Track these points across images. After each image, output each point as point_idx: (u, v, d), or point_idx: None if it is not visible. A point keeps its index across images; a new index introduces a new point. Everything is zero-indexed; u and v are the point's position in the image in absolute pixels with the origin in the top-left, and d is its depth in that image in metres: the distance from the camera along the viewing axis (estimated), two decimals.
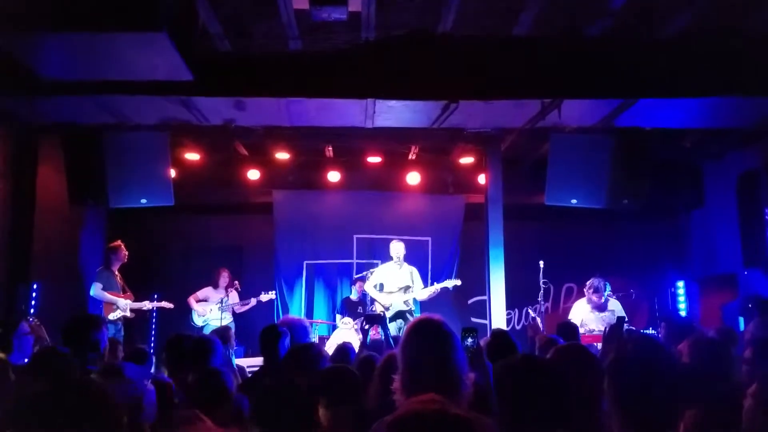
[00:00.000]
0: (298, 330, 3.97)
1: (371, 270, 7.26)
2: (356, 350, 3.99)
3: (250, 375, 4.23)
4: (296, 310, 8.09)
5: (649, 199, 6.11)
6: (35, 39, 3.94)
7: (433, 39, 4.85)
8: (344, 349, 3.90)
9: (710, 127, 6.18)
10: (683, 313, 7.92)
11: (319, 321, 7.93)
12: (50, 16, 3.72)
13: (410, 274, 7.09)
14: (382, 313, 6.52)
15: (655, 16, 4.66)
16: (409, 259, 7.22)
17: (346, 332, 7.12)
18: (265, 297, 7.46)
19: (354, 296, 7.62)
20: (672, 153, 7.15)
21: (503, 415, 1.86)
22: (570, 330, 4.62)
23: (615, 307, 6.15)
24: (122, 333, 6.38)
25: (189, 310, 7.39)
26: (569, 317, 6.14)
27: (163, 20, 3.73)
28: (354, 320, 7.02)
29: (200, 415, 2.34)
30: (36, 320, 5.49)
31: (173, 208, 6.44)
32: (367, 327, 4.33)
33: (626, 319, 5.94)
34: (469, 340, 2.58)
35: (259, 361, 4.45)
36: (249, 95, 5.15)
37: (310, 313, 8.23)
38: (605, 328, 5.22)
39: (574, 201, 6.13)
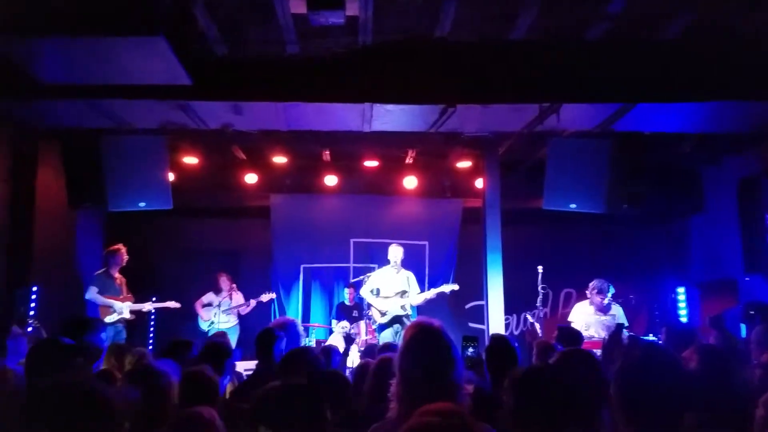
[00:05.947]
0: (291, 330, 3.98)
1: (368, 274, 7.25)
2: (341, 352, 3.98)
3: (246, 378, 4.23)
4: (293, 314, 8.08)
5: (648, 204, 6.10)
6: (34, 43, 3.95)
7: (431, 43, 4.85)
8: (328, 350, 3.90)
9: (709, 132, 6.16)
10: (684, 320, 7.87)
11: (316, 325, 7.92)
12: (49, 20, 3.74)
13: (407, 279, 7.06)
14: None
15: (654, 20, 4.65)
16: (406, 263, 7.20)
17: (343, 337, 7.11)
18: (265, 297, 7.51)
19: (347, 301, 7.62)
20: (671, 158, 7.14)
21: (514, 425, 1.83)
22: (572, 336, 4.54)
23: (616, 312, 6.08)
24: (123, 335, 6.38)
25: (189, 314, 7.42)
26: (569, 319, 6.07)
27: (161, 25, 3.75)
28: (351, 324, 7.00)
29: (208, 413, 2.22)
30: (36, 323, 5.51)
31: (171, 212, 6.45)
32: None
33: (626, 326, 5.91)
34: (470, 350, 2.56)
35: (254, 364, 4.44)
36: (246, 99, 5.15)
37: (306, 316, 8.23)
38: (605, 336, 5.14)
39: (573, 206, 6.09)
